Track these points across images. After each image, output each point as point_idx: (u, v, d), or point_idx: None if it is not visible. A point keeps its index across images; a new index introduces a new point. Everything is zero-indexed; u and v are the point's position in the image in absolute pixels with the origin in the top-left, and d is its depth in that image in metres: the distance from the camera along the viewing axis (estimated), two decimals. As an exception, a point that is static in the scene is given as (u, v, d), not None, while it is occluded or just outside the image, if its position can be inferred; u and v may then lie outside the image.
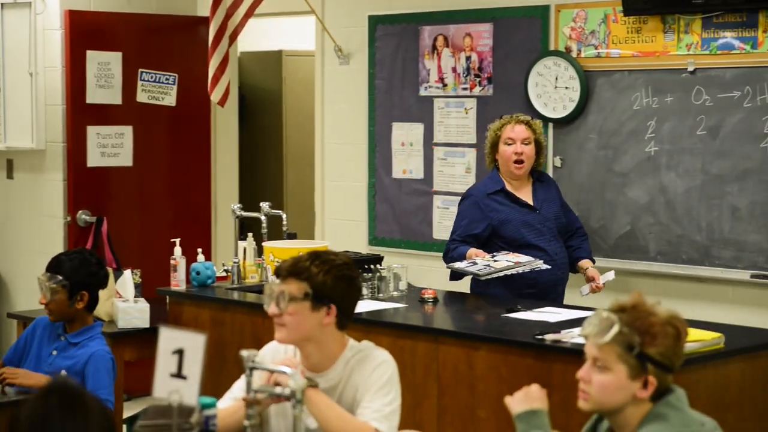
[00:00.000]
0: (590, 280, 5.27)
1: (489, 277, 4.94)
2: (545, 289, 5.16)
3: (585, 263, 5.34)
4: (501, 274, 4.95)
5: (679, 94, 5.56)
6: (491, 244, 5.19)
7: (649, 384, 2.57)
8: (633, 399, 2.58)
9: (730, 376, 4.02)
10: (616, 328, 2.57)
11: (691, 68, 5.51)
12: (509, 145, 5.22)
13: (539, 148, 5.26)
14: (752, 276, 5.36)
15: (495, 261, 5.01)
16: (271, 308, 3.21)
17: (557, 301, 5.14)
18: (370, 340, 3.39)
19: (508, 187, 5.25)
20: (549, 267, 5.09)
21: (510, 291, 5.05)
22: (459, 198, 6.47)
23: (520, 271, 5.00)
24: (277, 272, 3.25)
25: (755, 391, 4.10)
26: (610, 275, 5.25)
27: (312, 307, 3.20)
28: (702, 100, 5.48)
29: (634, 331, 2.57)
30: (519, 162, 5.21)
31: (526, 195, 5.28)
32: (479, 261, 5.03)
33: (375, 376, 3.22)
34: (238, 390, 3.32)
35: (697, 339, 3.92)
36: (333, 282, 3.22)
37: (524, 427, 2.63)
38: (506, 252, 5.11)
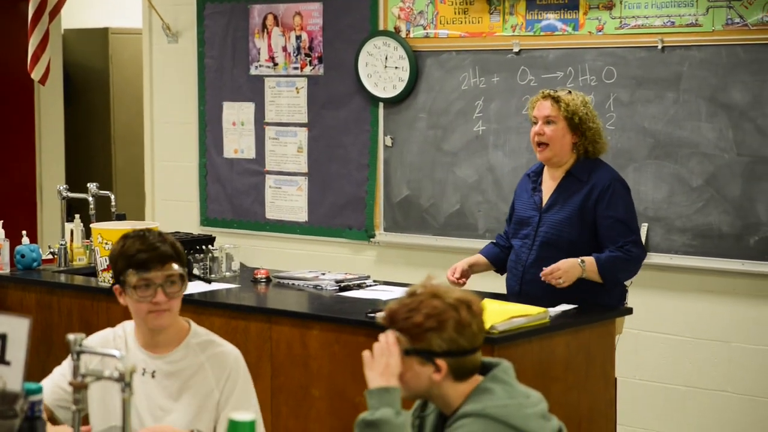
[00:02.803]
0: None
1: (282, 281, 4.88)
2: (507, 298, 4.44)
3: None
4: (297, 282, 4.83)
5: (505, 75, 5.68)
6: None
7: (440, 367, 2.59)
8: (432, 382, 2.61)
9: (556, 350, 4.14)
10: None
11: (516, 49, 5.64)
12: (534, 124, 4.36)
13: (580, 129, 4.31)
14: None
15: (322, 275, 4.91)
16: (159, 296, 3.16)
17: None
18: (202, 322, 3.38)
19: (545, 172, 4.44)
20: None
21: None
22: (291, 177, 6.49)
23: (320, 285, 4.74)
24: (158, 259, 3.17)
25: (579, 362, 4.24)
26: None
27: (185, 287, 3.25)
28: (527, 80, 5.61)
29: (402, 334, 2.61)
30: (540, 145, 4.35)
31: (549, 188, 4.41)
32: (309, 273, 4.93)
33: (242, 384, 3.23)
34: (59, 377, 3.25)
35: (523, 314, 4.02)
36: (185, 256, 3.29)
37: (376, 403, 2.59)
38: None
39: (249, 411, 3.19)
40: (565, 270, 4.25)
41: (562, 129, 4.31)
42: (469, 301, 2.63)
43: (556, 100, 4.31)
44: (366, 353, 2.66)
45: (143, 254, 3.17)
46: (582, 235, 4.32)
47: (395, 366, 2.61)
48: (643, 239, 5.29)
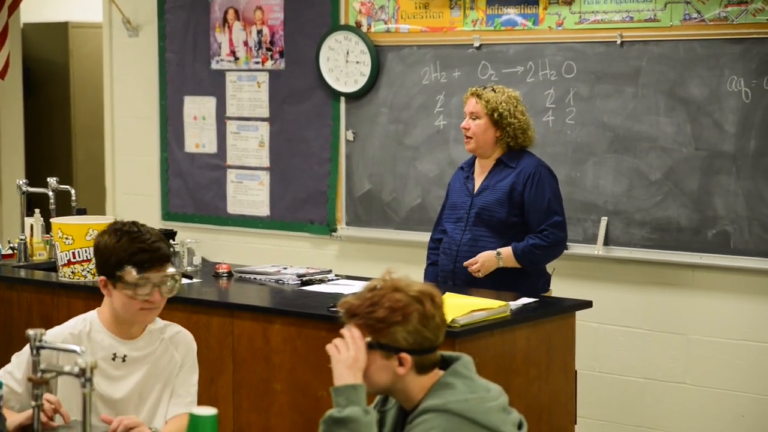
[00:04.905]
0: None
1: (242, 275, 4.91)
2: (445, 278, 4.73)
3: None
4: (258, 277, 4.86)
5: (466, 69, 5.70)
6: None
7: (404, 361, 2.60)
8: (396, 376, 2.61)
9: (516, 343, 4.17)
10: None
11: (476, 44, 5.66)
12: (464, 119, 4.72)
13: (501, 124, 4.63)
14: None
15: (284, 269, 4.93)
16: (155, 296, 3.21)
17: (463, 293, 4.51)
18: (163, 316, 3.39)
19: (477, 163, 4.76)
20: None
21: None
22: (253, 172, 6.48)
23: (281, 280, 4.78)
24: (158, 259, 3.21)
25: (539, 355, 4.27)
26: None
27: (177, 287, 3.34)
28: (488, 75, 5.63)
29: (364, 329, 2.61)
30: (466, 138, 4.69)
31: (480, 177, 4.72)
32: (270, 268, 4.95)
33: (192, 356, 3.39)
34: (14, 368, 3.24)
35: (484, 307, 4.04)
36: None
37: (343, 401, 2.58)
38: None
39: (194, 376, 3.39)
40: (482, 262, 4.59)
41: (484, 124, 4.64)
42: (432, 294, 2.64)
43: (480, 97, 4.65)
44: (330, 347, 2.65)
45: (145, 254, 3.19)
46: (511, 215, 4.62)
47: (362, 361, 2.60)
48: (603, 233, 5.35)
